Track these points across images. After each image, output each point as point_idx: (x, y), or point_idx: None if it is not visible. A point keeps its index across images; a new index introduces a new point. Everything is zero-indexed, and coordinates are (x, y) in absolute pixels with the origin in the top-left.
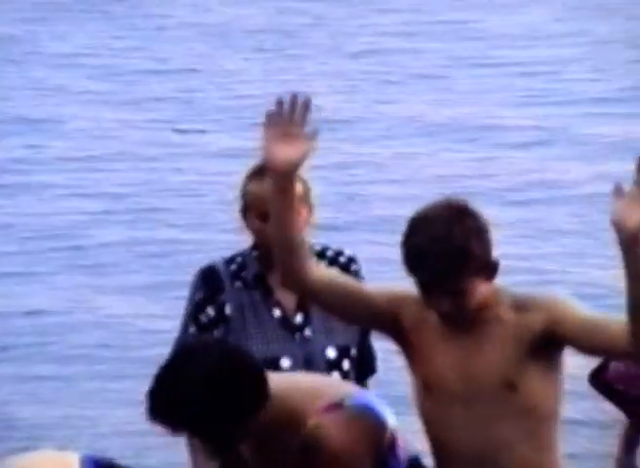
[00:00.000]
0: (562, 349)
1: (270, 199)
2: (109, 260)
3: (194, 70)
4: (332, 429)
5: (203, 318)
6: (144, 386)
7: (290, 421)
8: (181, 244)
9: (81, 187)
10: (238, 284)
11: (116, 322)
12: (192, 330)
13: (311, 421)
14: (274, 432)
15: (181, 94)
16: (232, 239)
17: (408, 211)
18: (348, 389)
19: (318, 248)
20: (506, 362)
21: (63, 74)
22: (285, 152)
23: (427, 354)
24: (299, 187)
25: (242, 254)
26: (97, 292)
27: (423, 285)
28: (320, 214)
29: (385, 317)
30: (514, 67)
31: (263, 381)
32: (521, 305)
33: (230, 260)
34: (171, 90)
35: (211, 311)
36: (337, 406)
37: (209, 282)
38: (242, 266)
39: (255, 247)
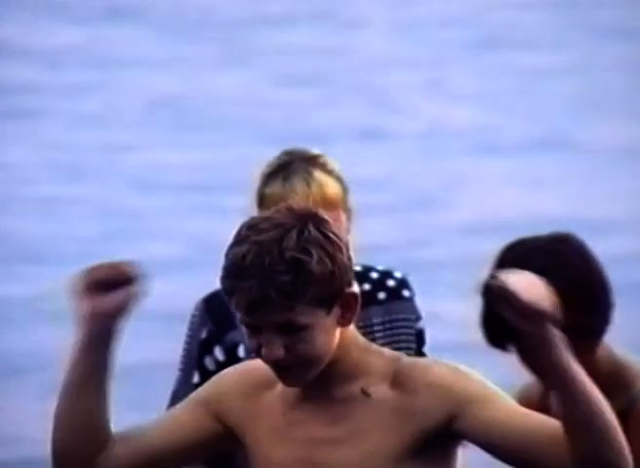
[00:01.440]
0: (458, 444)
1: (71, 365)
2: None
3: None
4: None
5: (209, 363)
6: None
7: (617, 381)
8: None
9: None
10: None
11: None
12: (196, 378)
13: None
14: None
15: None
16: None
17: None
18: None
19: (359, 268)
20: (375, 459)
21: None
22: (101, 302)
23: (264, 453)
24: (336, 187)
25: None
26: None
27: (244, 314)
28: None
29: (211, 428)
30: None
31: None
32: (404, 381)
33: None
34: None
35: (219, 354)
36: None
37: (215, 315)
38: None
39: None
